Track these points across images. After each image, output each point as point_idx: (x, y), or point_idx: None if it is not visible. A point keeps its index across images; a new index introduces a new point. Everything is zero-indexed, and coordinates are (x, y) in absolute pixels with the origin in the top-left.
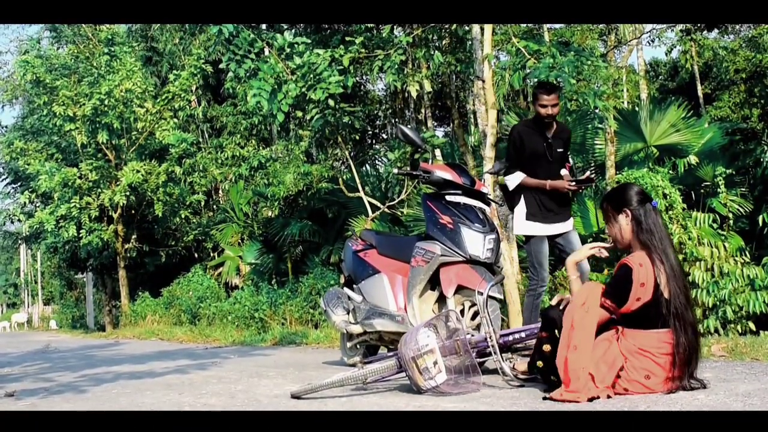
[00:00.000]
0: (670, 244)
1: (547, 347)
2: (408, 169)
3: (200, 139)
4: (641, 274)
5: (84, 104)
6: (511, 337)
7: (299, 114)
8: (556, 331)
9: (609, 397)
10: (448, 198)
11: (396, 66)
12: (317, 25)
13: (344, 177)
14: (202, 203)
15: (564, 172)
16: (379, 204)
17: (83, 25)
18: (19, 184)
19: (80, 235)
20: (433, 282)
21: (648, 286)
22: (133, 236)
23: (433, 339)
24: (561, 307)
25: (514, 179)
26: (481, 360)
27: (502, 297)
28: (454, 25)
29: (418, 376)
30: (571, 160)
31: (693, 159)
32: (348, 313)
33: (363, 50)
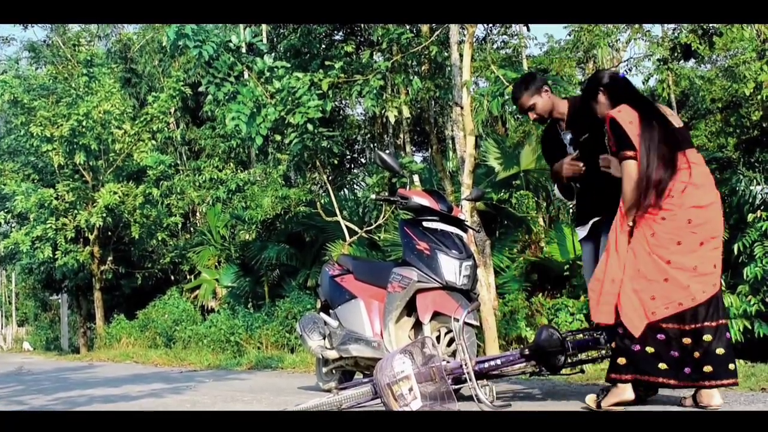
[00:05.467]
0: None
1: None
2: (386, 194)
3: (178, 162)
4: (622, 116)
5: (62, 125)
6: (486, 364)
7: (278, 138)
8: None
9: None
10: (426, 224)
11: (375, 91)
12: (296, 24)
13: (322, 201)
14: (180, 226)
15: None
16: (356, 228)
17: (62, 45)
18: None
19: (56, 257)
20: (410, 308)
21: (636, 122)
22: (109, 258)
23: (408, 365)
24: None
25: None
26: (457, 387)
27: (478, 324)
28: (434, 51)
29: (393, 402)
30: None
31: None
32: (324, 338)
33: (342, 75)
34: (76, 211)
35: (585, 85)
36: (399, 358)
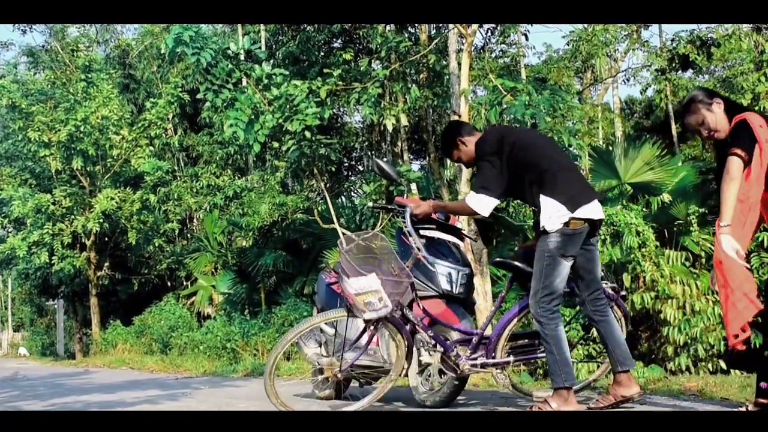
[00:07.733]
0: None
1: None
2: (383, 202)
3: (176, 168)
4: (755, 118)
5: (59, 130)
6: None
7: (275, 145)
8: None
9: None
10: (422, 232)
11: (373, 99)
12: (292, 26)
13: (319, 208)
14: (176, 232)
15: None
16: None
17: (61, 50)
18: None
19: (52, 262)
20: None
21: (765, 127)
22: (106, 264)
23: (376, 281)
24: None
25: None
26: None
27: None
28: (432, 60)
29: (363, 307)
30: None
31: (666, 197)
32: (320, 346)
33: (340, 83)
34: (73, 217)
35: (691, 100)
36: (368, 279)
